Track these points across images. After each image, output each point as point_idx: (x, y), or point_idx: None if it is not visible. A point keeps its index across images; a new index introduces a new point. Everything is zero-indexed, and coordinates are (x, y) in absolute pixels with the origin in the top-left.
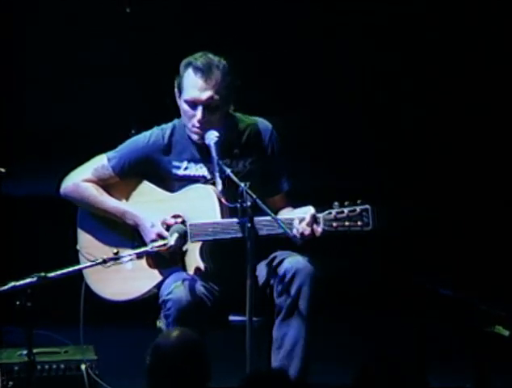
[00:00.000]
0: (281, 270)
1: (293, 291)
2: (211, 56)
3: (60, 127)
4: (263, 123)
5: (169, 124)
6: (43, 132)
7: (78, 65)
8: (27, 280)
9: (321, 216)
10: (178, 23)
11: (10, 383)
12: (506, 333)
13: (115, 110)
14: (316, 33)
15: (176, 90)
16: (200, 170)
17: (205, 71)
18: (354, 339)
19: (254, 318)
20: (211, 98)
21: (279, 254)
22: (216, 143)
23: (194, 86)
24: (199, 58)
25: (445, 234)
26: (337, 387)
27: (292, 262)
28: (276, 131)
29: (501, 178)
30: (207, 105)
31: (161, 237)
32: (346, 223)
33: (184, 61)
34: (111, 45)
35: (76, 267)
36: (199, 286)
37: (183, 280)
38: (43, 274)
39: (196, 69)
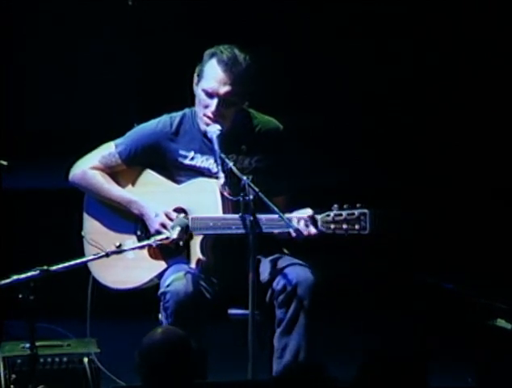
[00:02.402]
0: (282, 281)
1: (293, 304)
2: (237, 50)
3: (60, 122)
4: (275, 123)
5: (180, 113)
6: (43, 127)
7: (78, 60)
8: (30, 274)
9: (319, 217)
10: (181, 17)
11: (13, 376)
12: (509, 326)
13: (116, 103)
14: (317, 32)
15: (196, 76)
16: (206, 162)
17: (229, 65)
18: (355, 339)
19: (256, 312)
20: (229, 93)
21: (283, 259)
22: (219, 136)
23: (214, 77)
24: (225, 51)
25: (445, 228)
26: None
27: (293, 273)
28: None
29: (502, 170)
30: (224, 99)
31: (164, 227)
32: (344, 226)
33: (210, 50)
34: (112, 39)
35: (78, 261)
36: (199, 279)
37: (183, 273)
38: (45, 267)
39: (220, 61)
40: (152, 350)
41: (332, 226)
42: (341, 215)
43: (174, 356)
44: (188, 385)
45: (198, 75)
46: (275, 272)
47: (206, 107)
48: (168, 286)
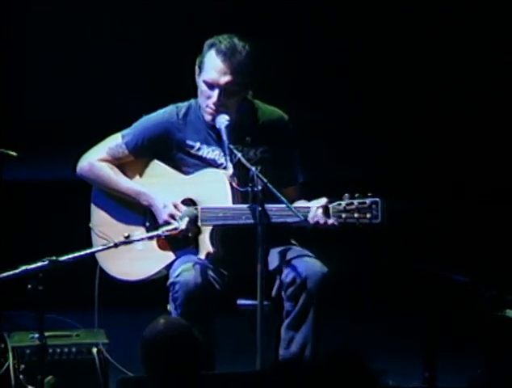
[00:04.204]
0: (291, 273)
1: (302, 298)
2: (236, 40)
3: (64, 113)
4: (280, 113)
5: (185, 103)
6: (47, 119)
7: (80, 53)
8: (39, 264)
9: (330, 207)
10: (187, 8)
11: (22, 366)
12: None
13: (121, 94)
14: (318, 28)
15: (197, 68)
16: (212, 153)
17: (228, 55)
18: (356, 338)
19: (264, 303)
20: (229, 82)
21: (292, 250)
22: (227, 127)
23: (214, 68)
24: (224, 41)
25: (453, 220)
26: None
27: (303, 266)
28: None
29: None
30: (225, 89)
31: (172, 217)
32: (356, 215)
33: (209, 41)
34: (115, 29)
35: (87, 251)
36: (208, 270)
37: (192, 264)
38: (54, 258)
39: (219, 51)
40: (154, 340)
41: (343, 215)
42: (352, 204)
43: (177, 346)
44: (194, 376)
45: (199, 67)
46: (284, 263)
47: (208, 98)
48: (177, 276)
